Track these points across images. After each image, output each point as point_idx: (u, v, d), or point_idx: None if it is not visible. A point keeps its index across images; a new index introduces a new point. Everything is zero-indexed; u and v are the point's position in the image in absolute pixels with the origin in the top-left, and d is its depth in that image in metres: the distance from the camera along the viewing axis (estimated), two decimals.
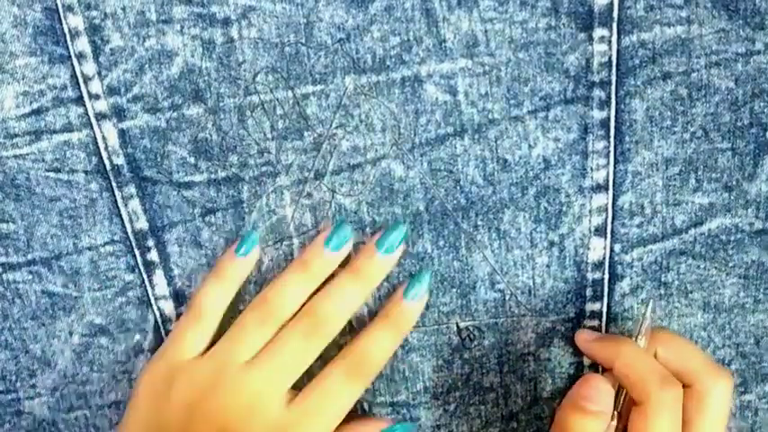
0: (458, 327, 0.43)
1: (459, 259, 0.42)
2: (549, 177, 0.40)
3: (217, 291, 0.41)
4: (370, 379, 0.40)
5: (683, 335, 0.43)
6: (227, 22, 0.38)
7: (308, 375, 0.39)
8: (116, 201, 0.41)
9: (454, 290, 0.42)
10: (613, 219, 0.41)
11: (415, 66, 0.38)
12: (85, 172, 0.41)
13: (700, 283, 0.42)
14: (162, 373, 0.40)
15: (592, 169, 0.40)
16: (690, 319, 0.43)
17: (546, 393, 0.44)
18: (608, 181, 0.40)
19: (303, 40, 0.38)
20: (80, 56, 0.39)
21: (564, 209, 0.40)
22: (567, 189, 0.40)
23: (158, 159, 0.40)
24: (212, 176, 0.41)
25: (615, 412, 0.38)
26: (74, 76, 0.39)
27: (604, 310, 0.42)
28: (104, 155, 0.40)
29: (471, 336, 0.43)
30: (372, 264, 0.40)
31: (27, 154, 0.41)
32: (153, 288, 0.43)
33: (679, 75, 0.38)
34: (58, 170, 0.41)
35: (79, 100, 0.40)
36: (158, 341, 0.44)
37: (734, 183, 0.40)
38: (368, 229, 0.41)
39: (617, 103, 0.39)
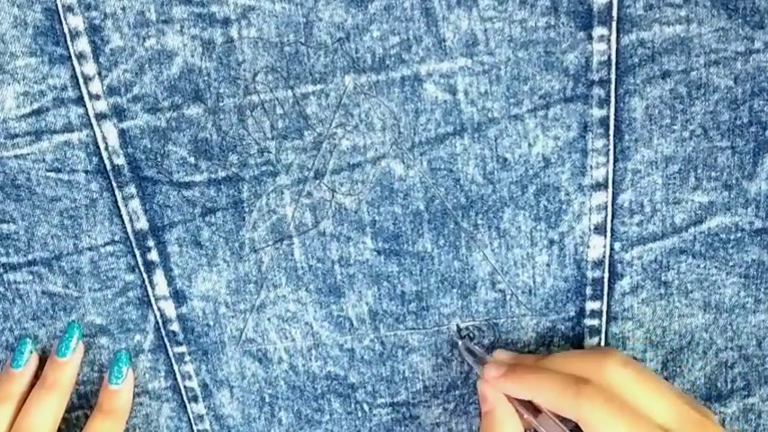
0: (458, 327, 0.43)
1: (459, 259, 0.42)
2: (549, 176, 0.40)
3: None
4: None
5: (685, 336, 0.43)
6: (226, 22, 0.38)
7: None
8: (116, 201, 0.41)
9: (454, 290, 0.42)
10: (613, 217, 0.41)
11: (414, 65, 0.38)
12: (86, 172, 0.41)
13: (700, 282, 0.42)
14: None
15: (591, 167, 0.40)
16: (691, 320, 0.43)
17: None
18: (607, 179, 0.40)
19: (303, 40, 0.38)
20: (80, 56, 0.39)
21: (564, 207, 0.41)
22: (567, 187, 0.40)
23: (158, 159, 0.40)
24: (212, 176, 0.41)
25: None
26: (74, 76, 0.39)
27: (604, 308, 0.42)
28: (105, 155, 0.41)
29: (471, 335, 0.43)
30: (54, 369, 0.43)
31: (27, 154, 0.41)
32: (153, 288, 0.43)
33: (678, 73, 0.38)
34: (58, 170, 0.41)
35: (79, 100, 0.40)
36: (159, 341, 0.44)
37: (733, 181, 0.40)
38: (368, 229, 0.41)
39: (616, 102, 0.39)
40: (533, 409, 0.39)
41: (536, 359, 0.40)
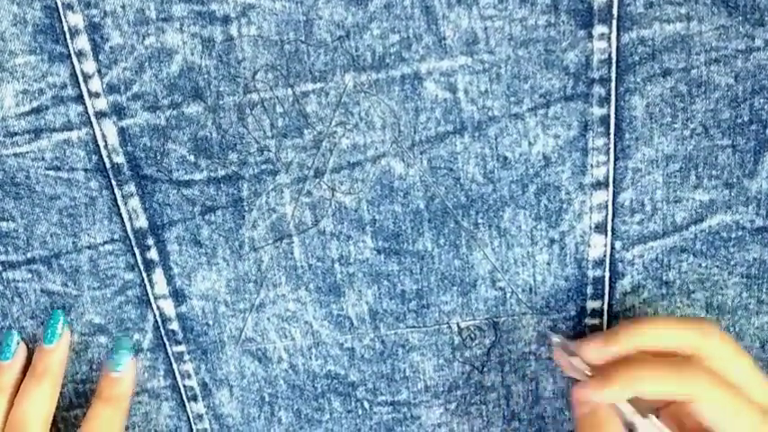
0: (458, 326, 0.43)
1: (459, 257, 0.42)
2: (550, 175, 0.40)
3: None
4: None
5: None
6: (226, 20, 0.38)
7: None
8: (116, 199, 0.41)
9: (455, 288, 0.42)
10: (614, 216, 0.41)
11: (414, 63, 0.38)
12: (85, 170, 0.41)
13: (702, 282, 0.42)
14: None
15: (592, 166, 0.40)
16: None
17: (547, 393, 0.44)
18: (608, 178, 0.40)
19: (303, 38, 0.38)
20: (80, 54, 0.39)
21: (564, 206, 0.40)
22: (568, 186, 0.40)
23: (158, 157, 0.40)
24: (212, 174, 0.41)
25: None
26: (73, 74, 0.39)
27: (605, 308, 0.42)
28: (104, 153, 0.40)
29: (472, 335, 0.43)
30: (43, 357, 0.43)
31: (27, 152, 0.41)
32: (152, 287, 0.43)
33: (679, 71, 0.38)
34: (57, 168, 0.41)
35: (79, 98, 0.40)
36: (158, 340, 0.44)
37: (734, 180, 0.40)
38: (368, 228, 0.41)
39: (617, 100, 0.39)
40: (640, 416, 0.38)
41: (620, 339, 0.38)
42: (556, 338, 0.41)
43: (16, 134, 0.40)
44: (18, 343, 0.43)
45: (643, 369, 0.36)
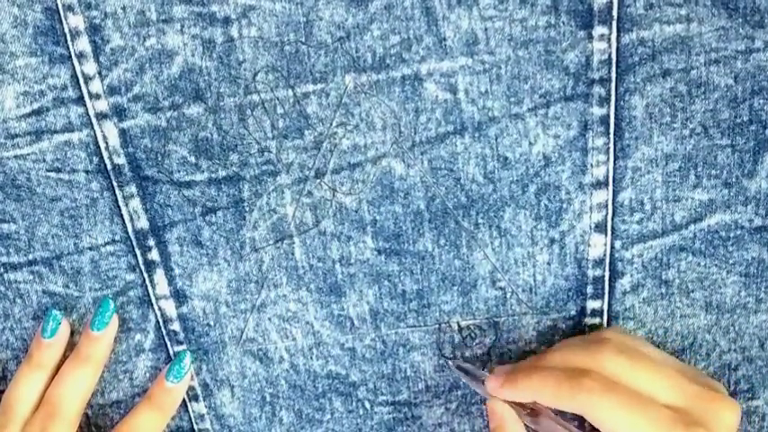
0: (459, 326, 0.43)
1: (459, 258, 0.42)
2: (550, 174, 0.40)
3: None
4: None
5: (687, 337, 0.43)
6: (227, 22, 0.38)
7: None
8: (117, 200, 0.41)
9: (455, 288, 0.42)
10: (614, 215, 0.41)
11: (415, 64, 0.38)
12: (86, 172, 0.41)
13: (701, 281, 0.42)
14: None
15: (592, 166, 0.40)
16: (693, 321, 0.43)
17: None
18: (608, 177, 0.40)
19: (303, 39, 0.38)
20: (80, 56, 0.39)
21: (564, 206, 0.41)
22: (568, 186, 0.40)
23: (159, 159, 0.40)
24: (213, 175, 0.41)
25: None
26: (74, 75, 0.39)
27: (605, 307, 0.42)
28: (105, 154, 0.41)
29: (473, 334, 0.43)
30: (88, 342, 0.43)
31: (28, 154, 0.41)
32: (154, 288, 0.43)
33: (678, 72, 0.38)
34: (58, 170, 0.41)
35: (80, 100, 0.40)
36: (159, 340, 0.44)
37: (733, 179, 0.40)
38: (368, 228, 0.41)
39: (617, 100, 0.39)
40: (534, 411, 0.39)
41: (534, 360, 0.40)
42: (460, 364, 0.42)
43: (17, 136, 0.40)
44: (59, 323, 0.43)
45: (541, 379, 0.37)
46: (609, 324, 0.43)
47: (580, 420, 0.39)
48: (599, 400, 0.35)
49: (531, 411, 0.39)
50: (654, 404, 0.36)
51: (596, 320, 0.42)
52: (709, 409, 0.36)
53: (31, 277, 0.43)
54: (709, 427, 0.35)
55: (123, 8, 0.38)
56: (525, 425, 0.39)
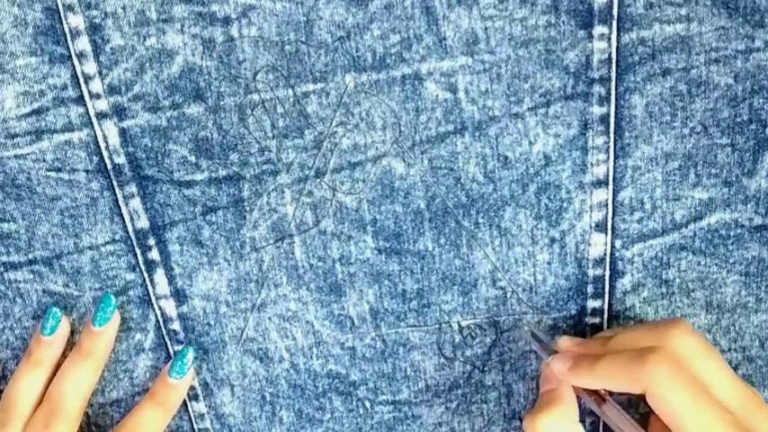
0: (459, 325, 0.43)
1: (460, 257, 0.42)
2: (550, 174, 0.40)
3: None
4: None
5: None
6: (227, 21, 0.38)
7: None
8: (117, 200, 0.41)
9: (455, 287, 0.42)
10: (614, 214, 0.41)
11: (415, 63, 0.38)
12: (86, 171, 0.41)
13: (701, 281, 0.42)
14: None
15: (592, 165, 0.40)
16: (693, 320, 0.43)
17: None
18: (608, 176, 0.40)
19: (303, 39, 0.38)
20: (81, 55, 0.39)
21: (564, 205, 0.41)
22: (568, 185, 0.40)
23: (159, 158, 0.40)
24: (213, 175, 0.41)
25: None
26: (74, 75, 0.39)
27: (605, 307, 0.42)
28: (105, 154, 0.41)
29: (473, 334, 0.43)
30: (89, 338, 0.42)
31: (28, 154, 0.41)
32: (154, 287, 0.43)
33: (678, 71, 0.38)
34: (58, 170, 0.41)
35: (80, 99, 0.40)
36: (159, 340, 0.44)
37: (733, 178, 0.40)
38: (369, 228, 0.41)
39: (617, 99, 0.39)
40: (599, 397, 0.38)
41: (602, 343, 0.39)
42: (534, 330, 0.42)
43: (17, 136, 0.40)
44: (58, 321, 0.43)
45: (609, 365, 0.36)
46: (608, 324, 0.43)
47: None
48: (665, 378, 0.34)
49: (596, 398, 0.38)
50: (711, 398, 0.34)
51: (596, 320, 0.43)
52: (759, 416, 0.35)
53: (31, 277, 0.43)
54: None
55: (123, 8, 0.38)
56: (590, 411, 0.38)
